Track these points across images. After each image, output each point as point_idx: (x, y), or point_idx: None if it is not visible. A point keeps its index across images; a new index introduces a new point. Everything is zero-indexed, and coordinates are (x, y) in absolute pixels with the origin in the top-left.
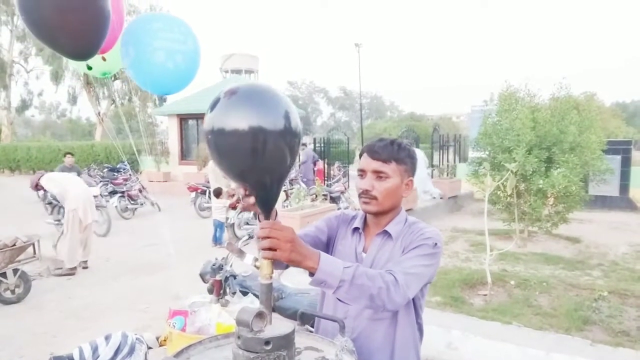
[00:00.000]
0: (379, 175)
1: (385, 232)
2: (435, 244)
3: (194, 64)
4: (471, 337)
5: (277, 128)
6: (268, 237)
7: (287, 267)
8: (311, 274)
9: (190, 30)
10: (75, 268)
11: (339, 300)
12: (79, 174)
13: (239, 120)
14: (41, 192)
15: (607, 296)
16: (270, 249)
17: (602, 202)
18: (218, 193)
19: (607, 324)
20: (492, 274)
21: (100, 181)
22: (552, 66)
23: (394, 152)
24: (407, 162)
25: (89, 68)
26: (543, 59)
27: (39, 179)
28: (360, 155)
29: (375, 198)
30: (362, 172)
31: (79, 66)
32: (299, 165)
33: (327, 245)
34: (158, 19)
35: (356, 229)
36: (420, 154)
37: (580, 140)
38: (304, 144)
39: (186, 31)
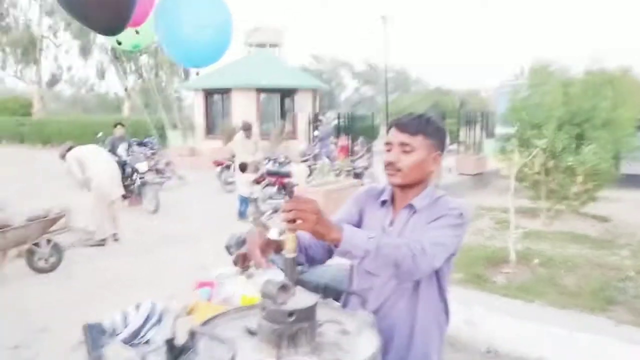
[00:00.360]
0: (405, 147)
1: (411, 206)
2: (461, 213)
3: (225, 38)
4: (492, 314)
5: None
6: (293, 210)
7: (328, 258)
8: (335, 246)
9: (223, 2)
10: (105, 239)
11: (368, 272)
12: (130, 146)
13: None
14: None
15: (634, 276)
16: (295, 221)
17: (633, 181)
18: (243, 167)
19: (632, 305)
20: (517, 252)
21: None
22: (584, 43)
23: (421, 125)
24: (435, 137)
25: (119, 43)
26: (575, 36)
27: (67, 151)
28: (388, 130)
29: (400, 170)
30: (389, 145)
31: (109, 40)
32: (317, 142)
33: (359, 222)
34: None
35: (384, 202)
36: None
37: (613, 117)
38: (320, 120)
39: (219, 4)
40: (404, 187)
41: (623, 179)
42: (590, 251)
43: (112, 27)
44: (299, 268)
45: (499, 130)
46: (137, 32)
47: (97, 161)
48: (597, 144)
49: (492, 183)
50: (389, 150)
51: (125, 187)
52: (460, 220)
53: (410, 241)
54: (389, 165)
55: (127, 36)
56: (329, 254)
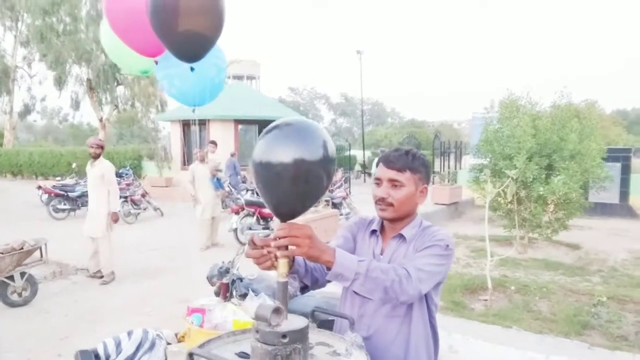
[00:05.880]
0: (394, 183)
1: (401, 236)
2: (447, 245)
3: (223, 80)
4: (471, 341)
5: (316, 157)
6: (287, 236)
7: (323, 284)
8: (328, 269)
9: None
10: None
11: (356, 293)
12: None
13: (282, 154)
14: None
15: (606, 302)
16: (287, 247)
17: (602, 209)
18: (201, 158)
19: (605, 329)
20: (493, 280)
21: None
22: (552, 71)
23: (408, 161)
24: (421, 171)
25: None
26: (544, 64)
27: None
28: (377, 165)
29: (391, 205)
30: (378, 181)
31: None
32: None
33: (354, 248)
34: None
35: (374, 231)
36: None
37: (580, 148)
38: (233, 154)
39: (223, 55)
40: (393, 220)
41: (592, 208)
42: (563, 277)
43: (195, 56)
44: (291, 291)
45: (472, 161)
46: (156, 63)
47: None
48: (566, 174)
49: (466, 212)
50: (378, 185)
51: None
52: (447, 252)
53: (397, 267)
54: (380, 200)
55: (133, 61)
56: None
